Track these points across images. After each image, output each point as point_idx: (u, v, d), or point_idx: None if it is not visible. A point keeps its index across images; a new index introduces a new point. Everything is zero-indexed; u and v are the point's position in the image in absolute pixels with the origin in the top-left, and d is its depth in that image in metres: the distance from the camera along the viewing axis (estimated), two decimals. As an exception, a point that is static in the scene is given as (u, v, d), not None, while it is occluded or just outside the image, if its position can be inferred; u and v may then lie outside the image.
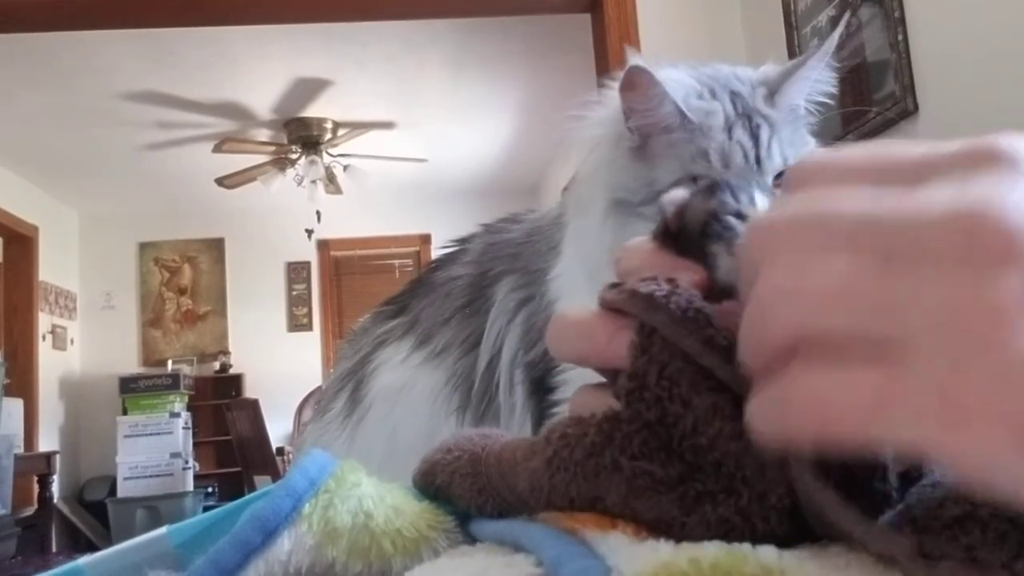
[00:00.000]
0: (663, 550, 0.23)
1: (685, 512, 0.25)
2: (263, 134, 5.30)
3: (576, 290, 0.68)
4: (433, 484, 0.33)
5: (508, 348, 0.70)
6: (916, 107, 1.89)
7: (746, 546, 0.22)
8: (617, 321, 0.27)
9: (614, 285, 0.28)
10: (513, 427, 0.67)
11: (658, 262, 0.29)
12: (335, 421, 0.74)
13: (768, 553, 0.22)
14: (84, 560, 0.30)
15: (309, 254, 6.74)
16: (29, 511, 4.48)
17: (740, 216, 0.28)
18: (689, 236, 0.29)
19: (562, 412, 0.65)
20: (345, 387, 0.75)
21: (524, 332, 0.70)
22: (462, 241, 0.79)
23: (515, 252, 0.74)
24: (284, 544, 0.29)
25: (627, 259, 0.30)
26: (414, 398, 0.70)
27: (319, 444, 0.73)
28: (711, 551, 0.22)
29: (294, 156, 5.28)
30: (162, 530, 0.31)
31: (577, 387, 0.65)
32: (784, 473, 0.23)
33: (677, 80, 0.67)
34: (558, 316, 0.30)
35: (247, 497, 0.32)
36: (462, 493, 0.31)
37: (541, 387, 0.68)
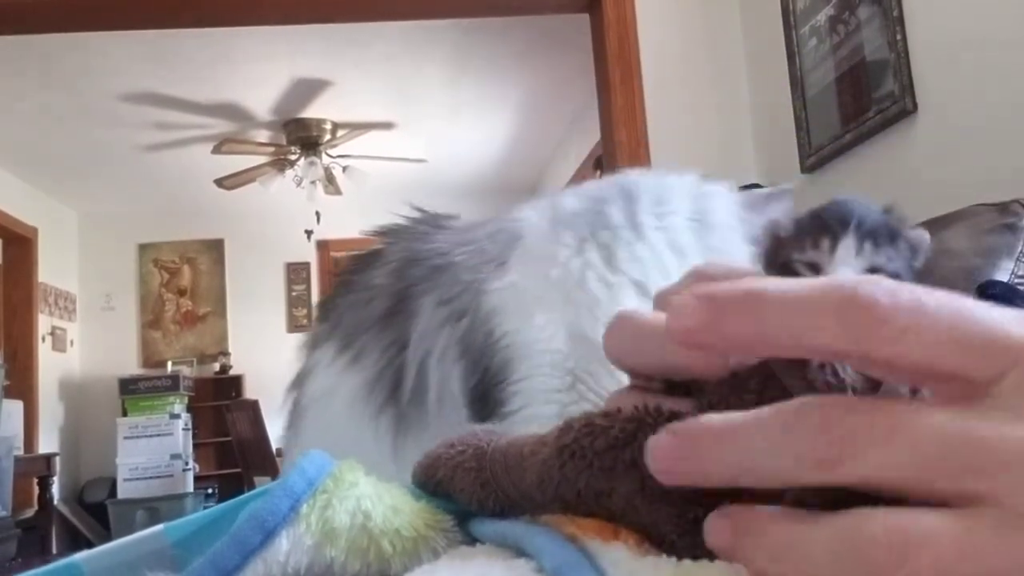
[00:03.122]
0: (663, 568, 0.23)
1: (678, 532, 0.25)
2: (262, 135, 5.31)
3: (532, 304, 0.65)
4: (435, 479, 0.33)
5: (437, 364, 0.67)
6: (915, 106, 1.89)
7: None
8: None
9: None
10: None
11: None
12: (288, 426, 0.76)
13: None
14: (81, 556, 0.30)
15: (309, 255, 6.75)
16: (29, 513, 4.48)
17: None
18: None
19: (513, 423, 0.63)
20: (293, 392, 0.77)
21: (461, 352, 0.66)
22: (383, 233, 0.75)
23: (440, 264, 0.69)
24: (282, 544, 0.29)
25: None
26: (337, 403, 0.70)
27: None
28: (713, 573, 0.22)
29: (293, 157, 5.28)
30: (158, 528, 0.31)
31: (529, 397, 0.63)
32: None
33: None
34: (630, 320, 0.29)
35: (244, 496, 0.32)
36: (464, 487, 0.31)
37: (486, 402, 0.65)
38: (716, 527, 0.22)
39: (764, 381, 0.25)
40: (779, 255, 0.29)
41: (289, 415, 0.75)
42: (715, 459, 0.21)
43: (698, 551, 0.24)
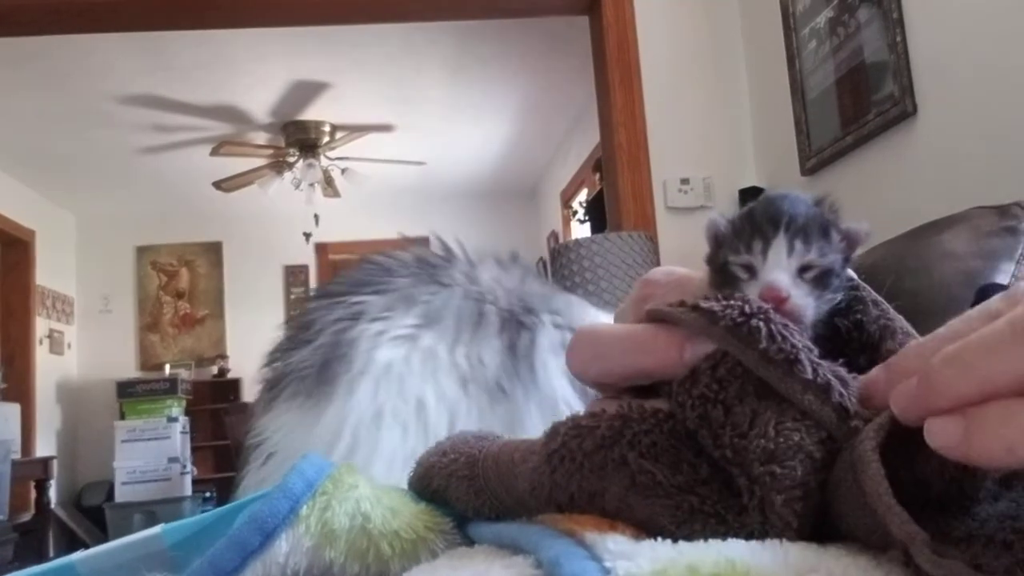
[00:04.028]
0: (660, 551, 0.23)
1: (675, 523, 0.25)
2: (261, 137, 5.30)
3: None
4: (430, 488, 0.33)
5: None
6: (915, 108, 1.89)
7: (746, 555, 0.22)
8: (677, 332, 0.27)
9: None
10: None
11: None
12: (296, 406, 0.71)
13: (768, 567, 0.22)
14: (76, 556, 0.30)
15: (307, 257, 6.74)
16: (26, 517, 4.48)
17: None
18: None
19: None
20: (335, 361, 0.72)
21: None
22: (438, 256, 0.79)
23: (545, 294, 0.77)
24: (282, 546, 0.28)
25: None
26: (416, 362, 0.67)
27: (280, 431, 0.71)
28: (709, 560, 0.22)
29: (292, 159, 5.28)
30: (156, 529, 0.31)
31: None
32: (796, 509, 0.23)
33: None
34: (589, 333, 0.29)
35: (242, 500, 0.31)
36: (459, 496, 0.31)
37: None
38: (943, 427, 0.21)
39: (715, 363, 0.25)
40: (718, 256, 0.29)
41: (324, 393, 0.70)
42: (949, 383, 0.21)
43: (696, 539, 0.24)
